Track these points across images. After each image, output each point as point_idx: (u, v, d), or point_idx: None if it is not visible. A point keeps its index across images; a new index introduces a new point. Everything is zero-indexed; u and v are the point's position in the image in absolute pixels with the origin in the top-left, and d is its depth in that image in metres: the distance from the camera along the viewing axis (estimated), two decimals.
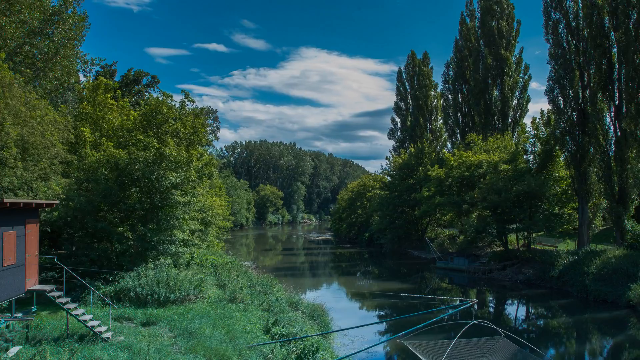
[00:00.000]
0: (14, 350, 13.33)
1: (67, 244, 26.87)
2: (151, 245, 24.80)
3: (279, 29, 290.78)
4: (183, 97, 29.74)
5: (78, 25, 28.64)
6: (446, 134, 75.02)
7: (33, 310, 16.26)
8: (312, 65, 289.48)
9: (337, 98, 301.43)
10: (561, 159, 44.90)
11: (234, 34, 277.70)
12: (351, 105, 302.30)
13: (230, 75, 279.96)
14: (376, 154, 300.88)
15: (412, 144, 75.01)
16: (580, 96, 40.83)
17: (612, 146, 38.73)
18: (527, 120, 62.69)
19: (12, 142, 19.61)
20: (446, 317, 21.75)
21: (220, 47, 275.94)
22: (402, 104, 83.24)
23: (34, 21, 25.81)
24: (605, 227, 48.63)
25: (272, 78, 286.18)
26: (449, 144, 73.13)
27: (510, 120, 60.40)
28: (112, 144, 26.04)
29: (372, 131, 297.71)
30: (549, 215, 44.41)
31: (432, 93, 79.34)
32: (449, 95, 68.17)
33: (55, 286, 16.25)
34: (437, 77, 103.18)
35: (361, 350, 19.85)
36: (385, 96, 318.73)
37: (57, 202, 19.18)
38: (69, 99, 33.29)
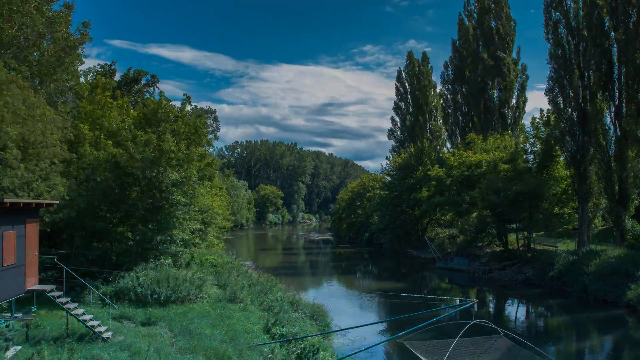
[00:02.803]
0: (13, 350, 13.33)
1: (67, 243, 26.87)
2: (151, 245, 24.80)
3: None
4: (184, 98, 29.94)
5: (80, 32, 28.52)
6: (446, 134, 75.03)
7: (33, 310, 16.25)
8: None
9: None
10: (561, 158, 44.89)
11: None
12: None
13: None
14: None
15: (412, 144, 75.00)
16: (580, 96, 40.83)
17: (612, 146, 38.77)
18: (526, 121, 62.81)
19: (14, 143, 19.60)
20: (446, 317, 21.76)
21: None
22: (401, 104, 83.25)
23: (36, 25, 25.75)
24: (605, 227, 48.62)
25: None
26: (448, 144, 73.20)
27: (509, 120, 60.42)
28: (111, 142, 26.01)
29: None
30: (549, 215, 44.39)
31: (432, 93, 79.39)
32: (449, 96, 68.22)
33: (55, 286, 16.25)
34: (435, 77, 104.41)
35: (361, 350, 19.83)
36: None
37: (57, 202, 19.18)
38: (68, 98, 33.24)
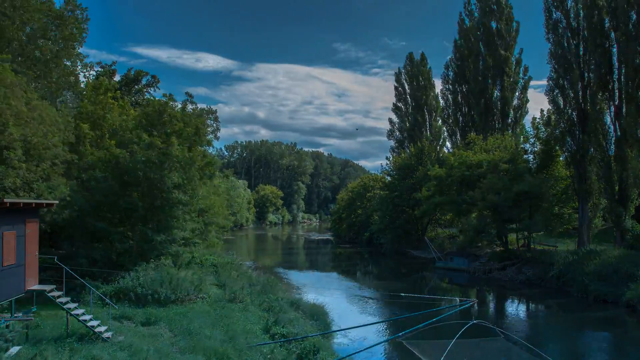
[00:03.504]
0: (14, 350, 13.34)
1: (67, 243, 26.88)
2: (151, 245, 24.81)
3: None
4: (186, 98, 30.01)
5: (78, 27, 28.60)
6: (446, 134, 75.03)
7: (33, 310, 16.28)
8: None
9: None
10: (561, 158, 44.91)
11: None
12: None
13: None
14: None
15: (411, 144, 74.99)
16: (580, 96, 40.84)
17: (612, 146, 38.79)
18: (526, 120, 62.93)
19: (19, 144, 19.69)
20: (446, 317, 21.75)
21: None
22: (400, 105, 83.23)
23: (37, 22, 25.79)
24: (605, 227, 48.60)
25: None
26: (448, 144, 73.16)
27: (510, 120, 60.47)
28: (114, 142, 26.04)
29: None
30: (549, 215, 44.37)
31: (432, 93, 79.42)
32: (449, 96, 68.16)
33: (55, 286, 16.27)
34: (435, 78, 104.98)
35: (361, 350, 19.84)
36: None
37: (57, 202, 19.21)
38: (68, 98, 33.31)
